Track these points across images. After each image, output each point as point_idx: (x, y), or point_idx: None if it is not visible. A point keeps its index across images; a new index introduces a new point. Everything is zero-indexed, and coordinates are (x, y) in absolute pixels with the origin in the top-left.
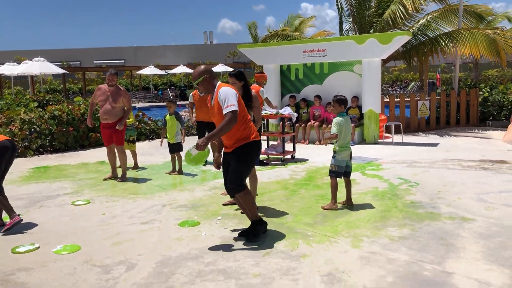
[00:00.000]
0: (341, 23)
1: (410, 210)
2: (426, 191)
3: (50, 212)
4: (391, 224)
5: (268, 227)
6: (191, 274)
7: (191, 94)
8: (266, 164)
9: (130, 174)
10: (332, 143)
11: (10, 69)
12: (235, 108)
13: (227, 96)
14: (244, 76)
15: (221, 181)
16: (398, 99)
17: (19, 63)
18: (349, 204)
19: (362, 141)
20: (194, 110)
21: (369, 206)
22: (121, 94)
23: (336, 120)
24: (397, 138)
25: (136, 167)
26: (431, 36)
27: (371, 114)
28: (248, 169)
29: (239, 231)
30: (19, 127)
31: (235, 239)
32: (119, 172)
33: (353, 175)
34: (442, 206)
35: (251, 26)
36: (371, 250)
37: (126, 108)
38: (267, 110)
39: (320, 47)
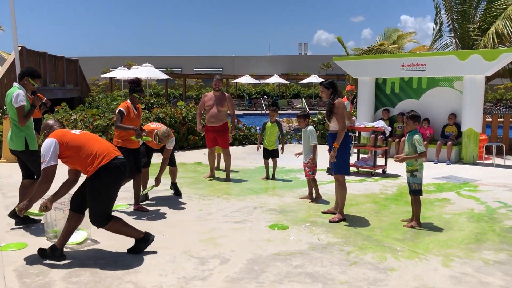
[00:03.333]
0: (438, 38)
1: (508, 235)
2: None
3: (154, 205)
4: (486, 247)
5: (356, 239)
6: (280, 274)
7: None
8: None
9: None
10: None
11: (121, 73)
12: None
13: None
14: (333, 85)
15: (307, 188)
16: (502, 119)
17: (129, 68)
18: (418, 225)
19: (459, 160)
20: None
21: (463, 228)
22: (226, 99)
23: (418, 137)
24: (499, 160)
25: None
26: None
27: (471, 133)
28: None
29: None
30: None
31: (323, 246)
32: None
33: (447, 195)
34: None
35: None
36: (463, 271)
37: (230, 113)
38: (360, 123)
39: (419, 62)
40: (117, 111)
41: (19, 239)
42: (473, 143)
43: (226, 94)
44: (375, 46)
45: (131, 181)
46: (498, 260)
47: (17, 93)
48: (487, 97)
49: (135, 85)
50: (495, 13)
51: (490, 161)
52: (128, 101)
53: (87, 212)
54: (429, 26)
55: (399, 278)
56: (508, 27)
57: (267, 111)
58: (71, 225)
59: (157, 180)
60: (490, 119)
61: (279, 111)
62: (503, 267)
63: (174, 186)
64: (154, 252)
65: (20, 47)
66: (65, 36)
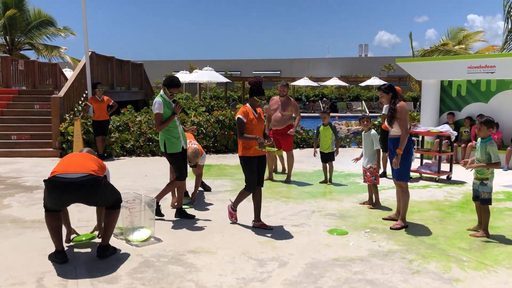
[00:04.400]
0: (509, 38)
1: None
2: None
3: (213, 205)
4: None
5: (419, 247)
6: (339, 280)
7: None
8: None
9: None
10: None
11: (183, 76)
12: None
13: None
14: (392, 88)
15: (367, 194)
16: None
17: (190, 72)
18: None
19: None
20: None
21: None
22: (290, 104)
23: (493, 146)
24: None
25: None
26: None
27: None
28: None
29: (381, 245)
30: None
31: (384, 253)
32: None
33: None
34: None
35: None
36: None
37: (295, 116)
38: (421, 127)
39: (488, 63)
40: (236, 119)
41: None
42: None
43: (291, 99)
44: (438, 46)
45: (243, 194)
46: None
47: (155, 101)
48: None
49: (257, 87)
50: None
51: None
52: (248, 105)
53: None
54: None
55: None
56: None
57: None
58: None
59: (193, 196)
60: None
61: (338, 114)
62: None
63: (202, 184)
64: (214, 253)
65: (91, 52)
66: (131, 41)
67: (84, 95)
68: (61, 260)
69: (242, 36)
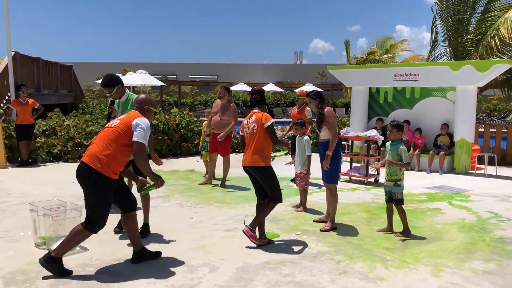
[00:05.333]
0: (433, 48)
1: (498, 245)
2: None
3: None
4: (476, 257)
5: (346, 247)
6: (269, 283)
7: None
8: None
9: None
10: (387, 171)
11: None
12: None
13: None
14: (319, 95)
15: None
16: (494, 130)
17: (124, 75)
18: (390, 230)
19: (452, 170)
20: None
21: (453, 237)
22: (229, 108)
23: (404, 148)
24: (491, 170)
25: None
26: None
27: (463, 143)
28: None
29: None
30: None
31: (313, 255)
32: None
33: (439, 205)
34: None
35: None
36: (452, 281)
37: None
38: (351, 132)
39: (413, 72)
40: (271, 125)
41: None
42: (466, 153)
43: (232, 103)
44: (367, 55)
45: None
46: (487, 270)
47: None
48: (481, 107)
49: (260, 97)
50: (487, 24)
51: (482, 171)
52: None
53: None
54: (425, 36)
55: (388, 287)
56: (499, 37)
57: None
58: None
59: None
60: (483, 130)
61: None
62: (492, 277)
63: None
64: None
65: (14, 52)
66: (60, 42)
67: (7, 98)
68: None
69: (178, 39)
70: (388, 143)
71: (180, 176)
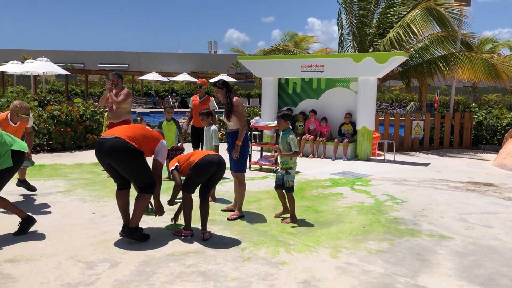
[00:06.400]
0: (341, 41)
1: (392, 225)
2: (410, 209)
3: (41, 208)
4: (371, 238)
5: (252, 235)
6: (172, 274)
7: (191, 99)
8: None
9: None
10: (279, 159)
11: (13, 67)
12: None
13: None
14: (226, 84)
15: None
16: (393, 118)
17: (23, 62)
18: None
19: (355, 157)
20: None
21: (353, 220)
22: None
23: (292, 137)
24: (390, 156)
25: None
26: (429, 57)
27: (365, 131)
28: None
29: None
30: None
31: (219, 244)
32: None
33: (341, 190)
34: (423, 223)
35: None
36: (349, 261)
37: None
38: (261, 122)
39: (318, 63)
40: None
41: None
42: (367, 140)
43: (125, 89)
44: (279, 45)
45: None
46: (380, 249)
47: None
48: (384, 97)
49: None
50: (389, 20)
51: (382, 157)
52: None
53: None
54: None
55: (289, 271)
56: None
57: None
58: None
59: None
60: (383, 118)
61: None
62: (384, 255)
63: (24, 183)
64: (37, 260)
65: None
66: None
67: None
68: None
69: (84, 26)
70: (280, 133)
71: (84, 169)
